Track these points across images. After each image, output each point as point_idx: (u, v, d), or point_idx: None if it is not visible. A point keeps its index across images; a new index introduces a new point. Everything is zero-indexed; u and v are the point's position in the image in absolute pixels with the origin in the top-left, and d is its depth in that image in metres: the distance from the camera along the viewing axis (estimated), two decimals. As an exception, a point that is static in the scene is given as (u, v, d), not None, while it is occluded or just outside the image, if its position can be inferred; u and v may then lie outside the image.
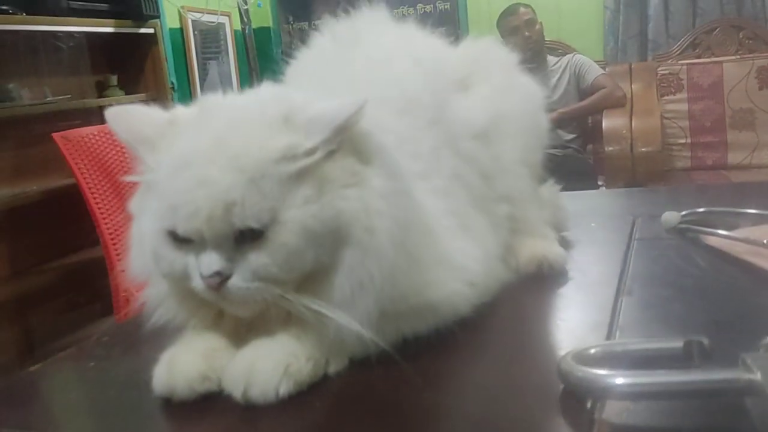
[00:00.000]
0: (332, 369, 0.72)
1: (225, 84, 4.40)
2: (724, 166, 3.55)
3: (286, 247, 0.66)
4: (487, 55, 1.05)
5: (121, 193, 2.53)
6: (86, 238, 2.66)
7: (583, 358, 0.66)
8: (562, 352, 0.69)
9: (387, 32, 1.00)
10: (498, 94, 1.01)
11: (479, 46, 1.07)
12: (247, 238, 0.66)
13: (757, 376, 0.57)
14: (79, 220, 2.49)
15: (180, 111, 0.76)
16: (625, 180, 3.31)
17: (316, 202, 0.67)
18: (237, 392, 0.68)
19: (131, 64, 3.38)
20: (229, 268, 0.66)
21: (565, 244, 1.05)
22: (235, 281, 0.66)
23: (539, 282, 0.95)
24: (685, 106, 3.61)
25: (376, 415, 0.66)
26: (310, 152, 0.67)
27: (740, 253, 0.95)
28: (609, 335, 0.77)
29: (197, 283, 0.68)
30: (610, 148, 3.37)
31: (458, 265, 0.81)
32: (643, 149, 3.33)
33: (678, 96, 3.62)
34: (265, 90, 0.78)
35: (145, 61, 3.38)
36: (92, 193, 2.49)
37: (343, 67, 0.93)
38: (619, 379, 0.61)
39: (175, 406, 0.70)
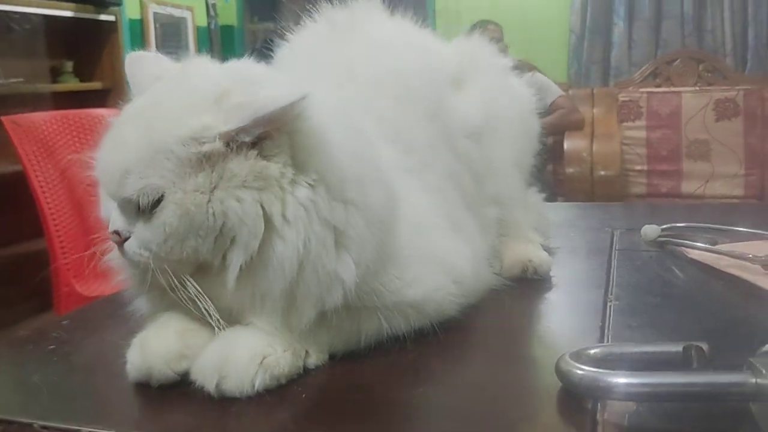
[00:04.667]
0: (312, 361, 0.69)
1: (184, 81, 4.29)
2: (678, 195, 3.62)
3: (165, 228, 0.63)
4: (480, 56, 1.03)
5: (70, 184, 2.44)
6: (28, 229, 2.55)
7: (581, 358, 0.63)
8: (556, 354, 0.67)
9: (384, 21, 0.97)
10: (491, 94, 0.99)
11: (472, 45, 1.05)
12: (144, 207, 0.64)
13: (767, 380, 0.55)
14: (22, 210, 2.39)
15: (172, 67, 0.74)
16: (583, 202, 3.34)
17: (205, 193, 0.63)
18: (210, 384, 0.64)
19: (88, 51, 3.27)
20: (127, 231, 0.66)
21: (547, 251, 1.03)
22: (129, 245, 0.66)
23: (524, 286, 0.92)
24: (643, 134, 3.68)
25: (368, 408, 0.63)
26: (220, 138, 0.63)
27: (724, 266, 0.94)
28: (601, 340, 0.75)
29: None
30: (571, 170, 3.41)
31: (445, 262, 0.78)
32: (602, 172, 3.38)
33: (637, 123, 3.69)
34: (239, 64, 0.74)
35: (102, 50, 3.28)
36: (39, 182, 2.38)
37: (340, 52, 0.90)
38: (623, 379, 0.59)
39: (146, 393, 0.65)
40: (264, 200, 0.64)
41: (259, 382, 0.64)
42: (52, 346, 0.80)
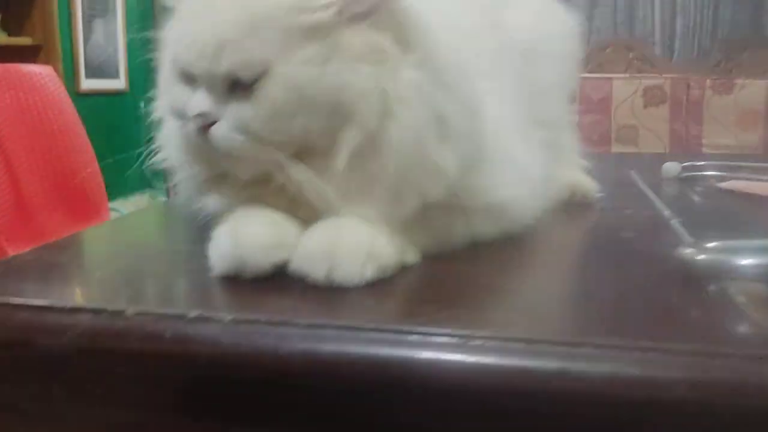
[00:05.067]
0: (409, 258, 0.65)
1: (110, 47, 4.10)
2: (607, 177, 3.74)
3: (273, 104, 0.58)
4: None
5: (1, 143, 2.31)
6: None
7: (700, 250, 0.62)
8: (655, 255, 0.66)
9: None
10: (538, 14, 0.97)
11: None
12: (239, 84, 0.59)
13: None
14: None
15: None
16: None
17: (319, 65, 0.59)
18: (319, 273, 0.58)
19: (18, 4, 3.06)
20: (216, 113, 0.60)
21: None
22: (218, 129, 0.60)
23: (575, 209, 0.91)
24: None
25: (478, 296, 0.59)
26: (332, 7, 0.59)
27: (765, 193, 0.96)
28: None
29: (188, 125, 0.61)
30: (511, 148, 3.46)
31: (522, 169, 0.77)
32: (541, 152, 3.44)
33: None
34: None
35: (33, 4, 3.07)
36: (-30, 141, 2.23)
37: None
38: (753, 260, 0.58)
39: (240, 283, 0.59)
40: (379, 75, 0.60)
41: (370, 272, 0.59)
42: (100, 251, 0.73)
